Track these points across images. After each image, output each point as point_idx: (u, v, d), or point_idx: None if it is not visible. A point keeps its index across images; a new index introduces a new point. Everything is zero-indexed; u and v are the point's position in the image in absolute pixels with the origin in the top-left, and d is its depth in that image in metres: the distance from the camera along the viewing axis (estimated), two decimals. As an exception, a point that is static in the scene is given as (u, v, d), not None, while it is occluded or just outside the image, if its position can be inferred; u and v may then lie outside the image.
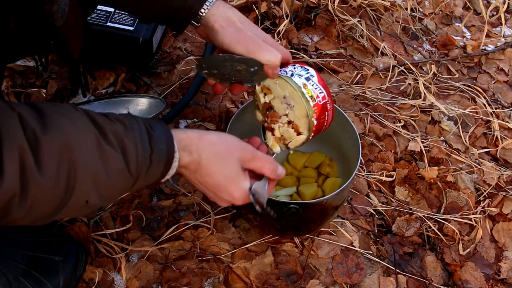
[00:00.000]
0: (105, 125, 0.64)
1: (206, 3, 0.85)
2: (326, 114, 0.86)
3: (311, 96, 0.83)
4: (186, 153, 0.73)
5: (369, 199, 1.23)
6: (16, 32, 0.75)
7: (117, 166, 0.64)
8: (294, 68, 0.87)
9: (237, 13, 0.87)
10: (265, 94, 0.89)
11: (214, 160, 0.75)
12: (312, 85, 0.84)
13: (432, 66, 1.54)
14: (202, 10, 0.85)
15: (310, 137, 0.87)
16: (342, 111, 1.06)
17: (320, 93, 0.84)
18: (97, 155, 0.63)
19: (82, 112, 0.65)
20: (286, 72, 0.86)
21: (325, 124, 0.87)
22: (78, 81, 1.08)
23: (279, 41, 1.53)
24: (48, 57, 1.06)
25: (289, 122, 0.87)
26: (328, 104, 0.85)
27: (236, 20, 0.85)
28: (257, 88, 0.90)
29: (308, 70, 0.86)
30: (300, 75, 0.85)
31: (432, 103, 1.42)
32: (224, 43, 0.84)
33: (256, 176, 0.82)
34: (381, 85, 1.48)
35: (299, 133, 0.87)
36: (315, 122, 0.84)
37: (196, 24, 0.88)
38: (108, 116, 0.66)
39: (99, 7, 1.30)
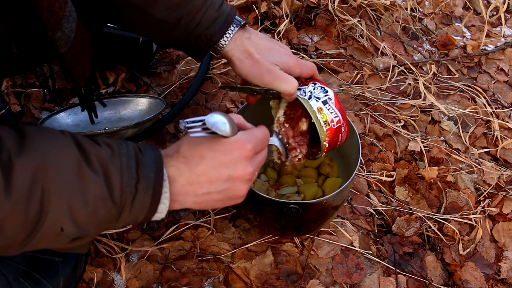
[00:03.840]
0: (90, 149, 0.61)
1: (227, 35, 0.86)
2: (340, 135, 0.88)
3: (325, 121, 0.85)
4: (169, 160, 0.67)
5: (369, 199, 1.23)
6: (19, 56, 0.74)
7: (97, 193, 0.60)
8: (314, 89, 0.88)
9: (256, 42, 0.87)
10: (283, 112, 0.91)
11: (191, 143, 0.67)
12: (328, 109, 0.85)
13: (432, 66, 1.54)
14: (223, 42, 0.86)
15: (322, 155, 0.90)
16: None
17: (335, 117, 0.86)
18: (75, 179, 0.58)
19: (69, 136, 0.61)
20: (305, 93, 0.87)
21: (338, 143, 0.90)
22: (87, 107, 1.05)
23: (279, 41, 1.53)
24: (54, 81, 1.04)
25: None
26: (342, 127, 0.87)
27: (254, 51, 0.86)
28: (272, 103, 0.93)
29: (327, 92, 0.87)
30: (318, 98, 0.86)
31: (432, 103, 1.42)
32: (242, 75, 0.87)
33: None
34: (381, 85, 1.48)
35: None
36: (327, 145, 0.87)
37: (216, 55, 0.90)
38: (96, 141, 0.63)
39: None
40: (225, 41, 0.87)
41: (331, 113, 0.85)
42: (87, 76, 0.90)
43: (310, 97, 0.86)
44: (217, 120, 0.65)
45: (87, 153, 0.60)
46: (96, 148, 0.61)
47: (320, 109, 0.85)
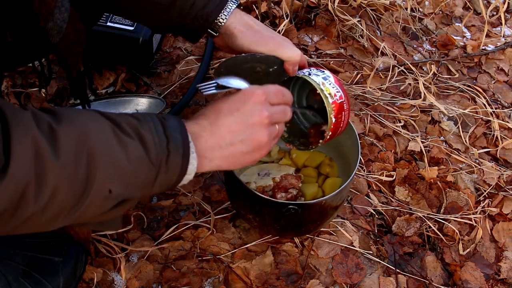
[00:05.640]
0: (118, 118, 0.63)
1: (225, 12, 0.86)
2: (343, 114, 0.87)
3: (330, 94, 0.84)
4: (189, 121, 0.70)
5: (369, 199, 1.23)
6: (15, 45, 0.74)
7: (137, 153, 0.62)
8: (311, 70, 0.89)
9: (253, 18, 0.89)
10: None
11: (209, 103, 0.71)
12: (329, 84, 0.85)
13: (432, 66, 1.54)
14: (221, 20, 0.86)
15: (328, 136, 0.88)
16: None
17: (337, 92, 0.85)
18: (115, 143, 0.61)
19: (93, 110, 0.64)
20: (303, 72, 0.88)
21: (341, 125, 0.89)
22: (79, 96, 1.06)
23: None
24: (51, 69, 1.04)
25: None
26: (344, 104, 0.87)
27: (254, 24, 0.87)
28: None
29: (324, 71, 0.88)
30: (317, 75, 0.87)
31: (432, 103, 1.42)
32: (245, 46, 0.86)
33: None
34: (381, 85, 1.48)
35: None
36: (333, 120, 0.85)
37: (215, 34, 0.88)
38: (118, 113, 0.65)
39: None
40: (226, 16, 0.86)
41: (332, 87, 0.85)
42: (81, 66, 0.90)
43: (309, 74, 0.87)
44: (228, 77, 0.71)
45: (116, 121, 0.63)
46: (123, 117, 0.64)
47: (323, 83, 0.85)
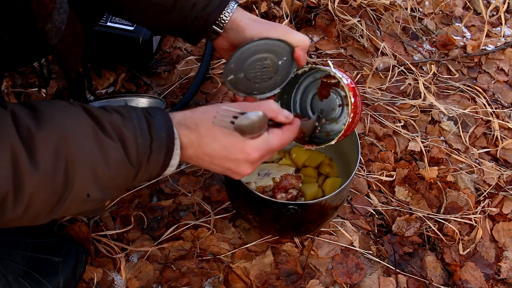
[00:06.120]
0: (102, 117, 0.63)
1: (228, 10, 0.86)
2: (358, 99, 0.86)
3: (341, 77, 0.85)
4: (184, 128, 0.70)
5: (369, 199, 1.23)
6: (13, 46, 0.74)
7: (116, 157, 0.63)
8: (315, 64, 0.91)
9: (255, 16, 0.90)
10: None
11: (211, 125, 0.71)
12: (338, 72, 0.86)
13: (432, 66, 1.54)
14: (226, 14, 0.86)
15: (350, 119, 0.84)
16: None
17: (347, 78, 0.86)
18: (95, 147, 0.61)
19: (78, 106, 0.63)
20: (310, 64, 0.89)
21: (357, 111, 0.86)
22: (78, 98, 1.06)
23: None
24: (50, 70, 1.04)
25: None
26: (356, 90, 0.86)
27: (258, 18, 0.88)
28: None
29: (329, 66, 0.89)
30: (324, 66, 0.88)
31: (432, 103, 1.42)
32: (254, 34, 0.85)
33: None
34: (381, 85, 1.48)
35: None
36: (353, 100, 0.83)
37: (220, 31, 0.87)
38: (105, 108, 0.65)
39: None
40: (229, 13, 0.86)
41: (342, 76, 0.85)
42: (79, 67, 0.90)
43: (317, 65, 0.87)
44: (247, 125, 0.68)
45: (99, 120, 0.63)
46: (107, 114, 0.64)
47: (334, 73, 0.85)
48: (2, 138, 0.55)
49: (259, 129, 0.70)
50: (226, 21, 0.86)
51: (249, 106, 0.74)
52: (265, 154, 0.73)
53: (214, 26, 0.87)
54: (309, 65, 0.88)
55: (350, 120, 0.84)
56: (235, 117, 0.68)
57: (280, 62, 0.86)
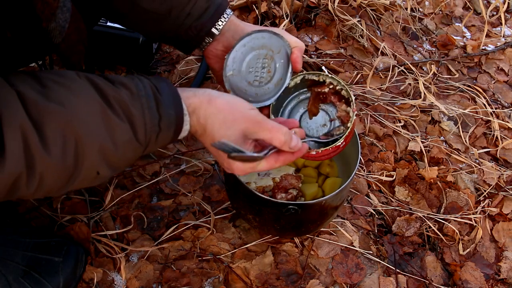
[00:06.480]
0: (110, 93, 0.63)
1: (224, 15, 0.87)
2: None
3: (339, 80, 0.87)
4: (195, 117, 0.71)
5: (369, 199, 1.23)
6: (15, 42, 0.74)
7: (124, 137, 0.64)
8: None
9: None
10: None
11: (218, 128, 0.72)
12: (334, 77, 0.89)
13: (432, 66, 1.54)
14: (220, 22, 0.87)
15: (352, 120, 0.86)
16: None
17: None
18: (103, 128, 0.62)
19: (85, 79, 0.64)
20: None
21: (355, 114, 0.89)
22: None
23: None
24: (53, 68, 1.04)
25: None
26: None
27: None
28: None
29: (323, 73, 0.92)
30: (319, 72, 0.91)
31: (432, 103, 1.42)
32: (252, 27, 0.87)
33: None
34: (381, 85, 1.48)
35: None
36: (353, 97, 0.86)
37: (216, 33, 0.87)
38: (113, 82, 0.65)
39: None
40: (225, 18, 0.87)
41: (336, 78, 0.88)
42: (82, 65, 0.90)
43: (309, 72, 0.90)
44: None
45: (108, 98, 0.63)
46: (115, 91, 0.64)
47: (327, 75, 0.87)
48: (12, 120, 0.56)
49: (251, 165, 0.75)
50: (222, 26, 0.87)
51: (261, 125, 0.74)
52: (248, 172, 0.77)
53: (212, 30, 0.88)
54: (303, 73, 0.88)
55: (354, 117, 0.86)
56: (235, 150, 0.70)
57: (277, 64, 0.86)
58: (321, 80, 0.89)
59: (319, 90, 0.90)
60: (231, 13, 0.88)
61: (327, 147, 0.85)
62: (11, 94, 0.57)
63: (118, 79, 0.66)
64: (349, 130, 0.85)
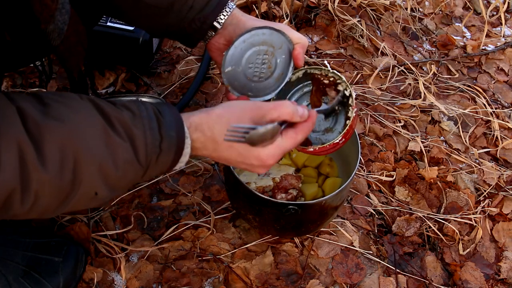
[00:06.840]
0: (112, 113, 0.62)
1: (227, 9, 0.86)
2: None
3: (340, 75, 0.86)
4: (199, 133, 0.70)
5: (369, 199, 1.23)
6: (14, 46, 0.74)
7: (125, 157, 0.63)
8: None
9: None
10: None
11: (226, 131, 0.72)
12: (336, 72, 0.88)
13: (432, 66, 1.54)
14: (223, 16, 0.86)
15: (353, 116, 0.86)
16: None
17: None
18: (103, 146, 0.61)
19: (87, 100, 0.63)
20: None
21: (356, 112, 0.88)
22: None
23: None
24: (51, 67, 1.04)
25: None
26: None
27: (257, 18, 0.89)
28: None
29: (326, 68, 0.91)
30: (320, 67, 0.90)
31: (432, 103, 1.42)
32: (254, 23, 0.87)
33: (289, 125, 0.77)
34: (381, 85, 1.48)
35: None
36: (354, 94, 0.85)
37: (218, 27, 0.87)
38: (115, 104, 0.65)
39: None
40: (228, 11, 0.86)
41: (338, 74, 0.87)
42: (82, 67, 0.90)
43: (311, 66, 0.89)
44: (258, 139, 0.69)
45: (109, 118, 0.62)
46: (117, 111, 0.63)
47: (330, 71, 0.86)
48: (8, 133, 0.54)
49: (271, 140, 0.71)
50: (224, 20, 0.87)
51: (263, 108, 0.73)
52: (280, 157, 0.75)
53: (215, 23, 0.87)
54: (305, 67, 0.88)
55: (354, 114, 0.85)
56: (246, 132, 0.69)
57: (278, 60, 0.85)
58: (323, 74, 0.89)
59: (320, 81, 0.90)
60: (233, 7, 0.87)
61: (325, 144, 0.85)
62: (10, 109, 0.56)
63: (121, 102, 0.66)
64: (347, 127, 0.85)
